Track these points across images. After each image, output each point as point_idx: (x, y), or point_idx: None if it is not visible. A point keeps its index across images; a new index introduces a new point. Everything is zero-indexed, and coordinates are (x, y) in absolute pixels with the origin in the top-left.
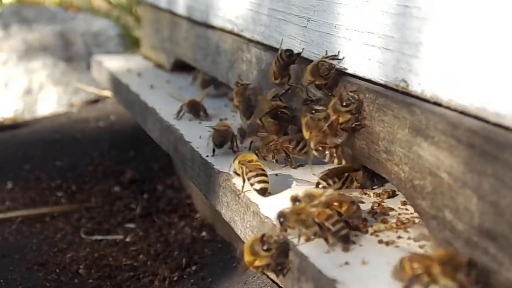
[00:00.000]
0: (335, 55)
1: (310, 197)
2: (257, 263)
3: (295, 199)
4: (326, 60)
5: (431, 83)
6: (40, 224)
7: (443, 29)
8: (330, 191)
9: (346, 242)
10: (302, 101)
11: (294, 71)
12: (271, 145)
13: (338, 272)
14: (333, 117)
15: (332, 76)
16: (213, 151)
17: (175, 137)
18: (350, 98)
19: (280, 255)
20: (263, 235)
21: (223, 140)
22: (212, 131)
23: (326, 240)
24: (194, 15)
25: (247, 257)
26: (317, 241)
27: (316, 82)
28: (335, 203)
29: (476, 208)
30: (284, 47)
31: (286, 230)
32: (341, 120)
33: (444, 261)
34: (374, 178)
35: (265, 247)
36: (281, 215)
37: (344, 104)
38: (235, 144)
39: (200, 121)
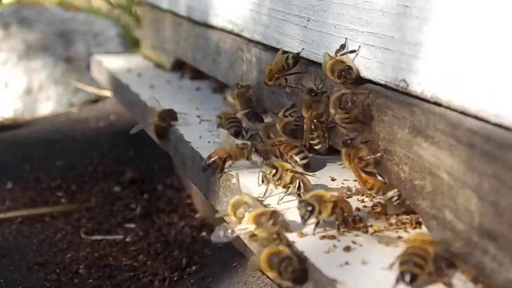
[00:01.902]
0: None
1: (318, 199)
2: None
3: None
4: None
5: (431, 83)
6: (40, 224)
7: (443, 29)
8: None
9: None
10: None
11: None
12: (276, 145)
13: (338, 272)
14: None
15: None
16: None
17: (175, 137)
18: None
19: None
20: (283, 259)
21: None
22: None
23: None
24: (194, 15)
25: (265, 268)
26: (317, 241)
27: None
28: (343, 205)
29: (476, 208)
30: (285, 49)
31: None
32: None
33: None
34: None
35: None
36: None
37: (342, 107)
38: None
39: (200, 121)
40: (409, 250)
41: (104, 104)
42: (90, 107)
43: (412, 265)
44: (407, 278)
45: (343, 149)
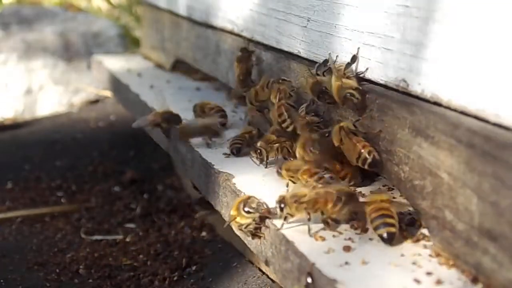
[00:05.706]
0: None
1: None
2: None
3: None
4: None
5: (431, 83)
6: (40, 224)
7: (443, 29)
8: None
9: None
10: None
11: (295, 72)
12: (273, 144)
13: (338, 272)
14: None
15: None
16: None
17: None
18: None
19: None
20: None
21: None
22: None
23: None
24: (194, 15)
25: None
26: (317, 242)
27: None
28: (321, 200)
29: (476, 208)
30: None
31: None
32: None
33: None
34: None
35: None
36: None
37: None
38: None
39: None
40: (376, 213)
41: (104, 104)
42: (90, 107)
43: (388, 226)
44: (387, 237)
45: (335, 127)
